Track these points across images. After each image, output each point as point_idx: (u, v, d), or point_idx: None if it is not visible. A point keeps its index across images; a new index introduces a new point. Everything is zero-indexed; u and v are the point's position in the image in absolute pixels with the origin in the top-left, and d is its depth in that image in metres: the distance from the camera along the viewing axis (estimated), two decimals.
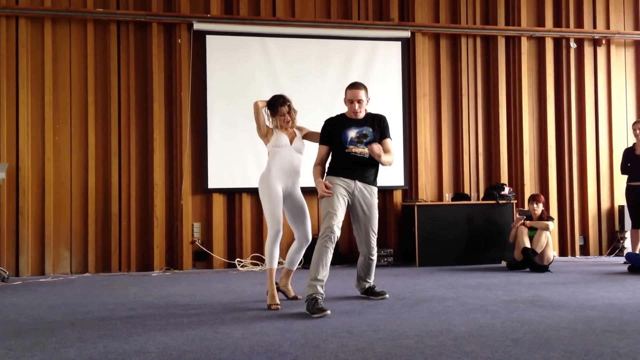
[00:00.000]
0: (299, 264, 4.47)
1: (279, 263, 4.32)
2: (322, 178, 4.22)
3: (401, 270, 6.20)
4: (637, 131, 6.47)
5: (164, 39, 6.67)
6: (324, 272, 3.88)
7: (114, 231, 6.44)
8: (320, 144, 4.31)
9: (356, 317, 3.65)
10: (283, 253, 4.68)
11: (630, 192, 6.51)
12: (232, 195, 6.74)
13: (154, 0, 6.60)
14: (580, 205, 7.58)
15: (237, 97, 6.65)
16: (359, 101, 4.15)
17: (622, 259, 6.60)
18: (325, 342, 2.98)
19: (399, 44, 7.15)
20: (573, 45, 7.63)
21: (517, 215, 6.31)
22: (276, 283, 4.25)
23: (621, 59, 7.82)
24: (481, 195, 7.16)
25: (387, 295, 4.36)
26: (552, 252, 6.16)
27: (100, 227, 6.44)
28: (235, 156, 6.69)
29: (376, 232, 4.31)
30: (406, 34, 7.15)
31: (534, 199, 6.23)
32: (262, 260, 6.67)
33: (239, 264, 6.61)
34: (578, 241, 7.53)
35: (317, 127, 4.42)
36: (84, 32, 6.48)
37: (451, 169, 7.36)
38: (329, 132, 4.26)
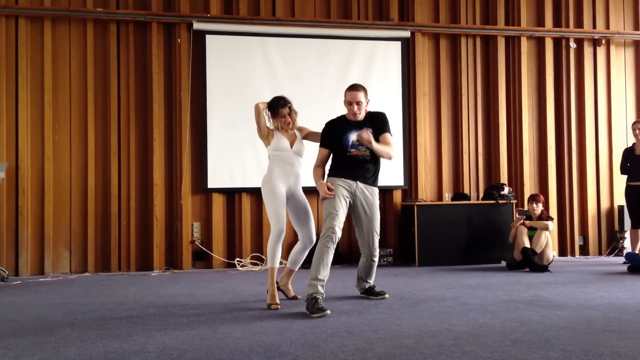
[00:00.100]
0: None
1: (280, 263, 4.32)
2: (323, 180, 4.22)
3: (401, 270, 6.20)
4: (637, 131, 6.47)
5: (163, 38, 6.67)
6: (325, 272, 3.88)
7: (114, 231, 6.44)
8: (320, 146, 4.31)
9: (356, 317, 3.65)
10: (284, 253, 4.67)
11: (629, 192, 6.51)
12: (231, 195, 6.74)
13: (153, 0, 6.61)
14: (579, 205, 7.58)
15: (237, 96, 6.65)
16: (358, 103, 4.15)
17: (622, 259, 6.59)
18: (324, 341, 2.98)
19: (398, 43, 7.15)
20: (573, 45, 7.63)
21: (517, 215, 6.31)
22: (276, 282, 4.25)
23: (621, 59, 7.82)
24: (481, 195, 7.16)
25: (387, 295, 4.36)
26: (552, 252, 6.16)
27: (100, 226, 6.44)
28: (235, 156, 6.69)
29: (378, 232, 4.30)
30: (406, 33, 7.15)
31: (533, 198, 6.23)
32: (262, 260, 6.67)
33: (238, 264, 6.61)
34: (578, 241, 7.53)
35: (317, 127, 4.43)
36: (83, 32, 6.48)
37: (451, 168, 7.37)
38: (330, 135, 4.25)
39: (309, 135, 4.41)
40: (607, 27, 7.74)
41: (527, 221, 6.09)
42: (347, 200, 4.14)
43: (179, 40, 6.65)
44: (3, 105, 6.24)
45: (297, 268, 4.41)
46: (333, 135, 4.23)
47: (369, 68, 7.04)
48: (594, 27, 7.71)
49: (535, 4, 7.63)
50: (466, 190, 7.24)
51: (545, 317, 3.55)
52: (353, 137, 4.16)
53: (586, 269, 6.10)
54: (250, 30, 6.78)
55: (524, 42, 7.51)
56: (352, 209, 4.23)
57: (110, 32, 6.52)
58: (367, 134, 4.02)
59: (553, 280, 5.28)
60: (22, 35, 6.30)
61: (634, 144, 6.61)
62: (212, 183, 6.65)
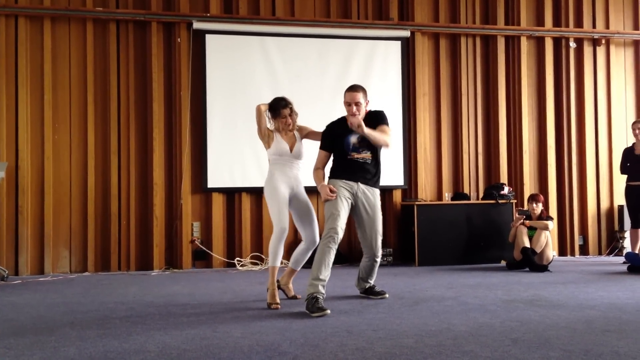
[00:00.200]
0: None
1: (280, 263, 4.31)
2: (324, 182, 4.21)
3: (400, 270, 6.20)
4: (637, 131, 6.47)
5: (163, 38, 6.67)
6: (326, 273, 3.88)
7: (114, 230, 6.44)
8: (320, 148, 4.30)
9: (356, 316, 3.65)
10: (285, 253, 4.66)
11: (629, 191, 6.51)
12: (231, 194, 6.74)
13: None
14: (579, 205, 7.59)
15: (237, 96, 6.65)
16: (357, 104, 4.13)
17: (622, 259, 6.60)
18: (324, 341, 2.98)
19: (398, 43, 7.15)
20: (572, 45, 7.63)
21: (517, 215, 6.31)
22: (277, 281, 4.25)
23: (621, 58, 7.82)
24: (481, 194, 7.16)
25: (387, 295, 4.36)
26: (552, 252, 6.16)
27: (100, 226, 6.44)
28: (235, 155, 6.68)
29: (381, 233, 4.31)
30: (406, 33, 7.15)
31: (533, 198, 6.23)
32: (262, 260, 6.67)
33: (238, 264, 6.61)
34: (577, 241, 7.53)
35: (317, 127, 4.43)
36: (83, 31, 6.48)
37: (451, 168, 7.37)
38: (331, 138, 4.25)
39: (309, 134, 4.41)
40: (607, 26, 7.74)
41: (527, 221, 6.09)
42: (349, 201, 4.14)
43: (179, 39, 6.65)
44: (3, 105, 6.23)
45: (299, 268, 4.40)
46: (334, 137, 4.23)
47: (368, 68, 7.04)
48: (594, 26, 7.71)
49: (535, 4, 7.63)
50: (466, 190, 7.24)
51: (545, 316, 3.55)
52: (353, 139, 4.17)
53: (586, 269, 6.10)
54: (250, 30, 6.78)
55: (524, 42, 7.52)
56: (354, 211, 4.22)
57: (110, 32, 6.52)
58: (357, 119, 3.95)
59: (553, 280, 5.28)
60: (22, 35, 6.30)
61: (634, 143, 6.61)
62: (212, 183, 6.65)
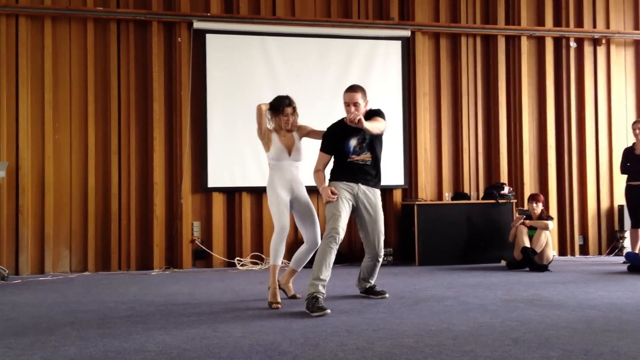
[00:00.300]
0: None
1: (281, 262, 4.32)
2: (325, 184, 4.22)
3: (401, 270, 6.20)
4: (637, 131, 6.47)
5: (164, 37, 6.67)
6: (327, 273, 3.89)
7: (114, 230, 6.44)
8: (321, 150, 4.30)
9: (356, 316, 3.65)
10: (285, 254, 4.66)
11: (629, 191, 6.51)
12: (231, 194, 6.75)
13: None
14: (579, 205, 7.58)
15: (237, 96, 6.65)
16: (355, 104, 4.13)
17: (622, 259, 6.60)
18: (325, 341, 2.98)
19: (399, 43, 7.15)
20: (573, 44, 7.63)
21: (517, 215, 6.31)
22: (278, 281, 4.25)
23: (621, 58, 7.82)
24: (481, 194, 7.16)
25: (387, 295, 4.37)
26: (552, 252, 6.16)
27: (100, 225, 6.44)
28: (235, 155, 6.68)
29: (383, 233, 4.31)
30: (406, 33, 7.15)
31: (533, 198, 6.23)
32: (262, 260, 6.67)
33: (238, 263, 6.61)
34: (577, 241, 7.53)
35: (316, 127, 4.43)
36: (84, 31, 6.48)
37: (451, 168, 7.37)
38: (331, 141, 4.25)
39: (310, 133, 4.41)
40: (608, 26, 7.74)
41: (527, 221, 6.09)
42: (350, 202, 4.15)
43: (179, 39, 6.65)
44: (3, 105, 6.24)
45: (300, 269, 4.41)
46: (334, 140, 4.23)
47: (369, 67, 7.04)
48: (594, 26, 7.70)
49: (535, 4, 7.63)
50: (466, 190, 7.24)
51: (545, 316, 3.55)
52: (353, 142, 4.18)
53: (586, 269, 6.10)
54: (250, 30, 6.78)
55: (524, 42, 7.52)
56: (356, 212, 4.23)
57: (111, 31, 6.52)
58: (354, 114, 3.93)
59: (553, 279, 5.28)
60: (23, 34, 6.30)
61: (634, 143, 6.60)
62: (212, 182, 6.65)
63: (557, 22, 7.67)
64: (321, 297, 3.77)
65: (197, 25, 6.62)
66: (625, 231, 7.27)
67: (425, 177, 7.23)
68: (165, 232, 6.58)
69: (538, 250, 5.95)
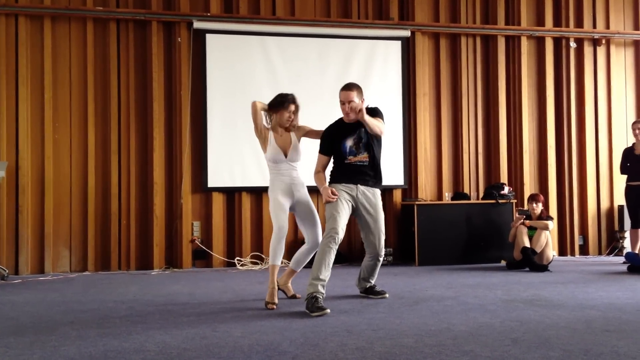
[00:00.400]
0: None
1: (281, 263, 4.31)
2: (325, 184, 4.22)
3: (400, 270, 6.20)
4: (637, 131, 6.47)
5: (163, 37, 6.67)
6: (326, 273, 3.88)
7: (114, 230, 6.44)
8: (320, 152, 4.31)
9: (355, 316, 3.65)
10: (285, 254, 4.66)
11: (629, 191, 6.51)
12: (231, 194, 6.75)
13: None
14: (579, 205, 7.59)
15: (237, 95, 6.64)
16: (350, 103, 4.14)
17: (622, 259, 6.60)
18: (324, 341, 2.98)
19: (398, 43, 7.15)
20: (573, 45, 7.63)
21: (517, 215, 6.31)
22: (276, 281, 4.24)
23: (621, 58, 7.82)
24: (481, 194, 7.16)
25: (387, 295, 4.37)
26: (552, 252, 6.16)
27: (100, 225, 6.44)
28: (235, 155, 6.68)
29: (384, 232, 4.31)
30: (406, 33, 7.15)
31: (533, 198, 6.23)
32: (262, 259, 6.67)
33: (238, 263, 6.61)
34: (577, 241, 7.53)
35: (316, 127, 4.43)
36: (83, 31, 6.48)
37: (451, 168, 7.37)
38: (329, 142, 4.25)
39: (309, 133, 4.41)
40: (607, 26, 7.74)
41: (527, 221, 6.09)
42: (350, 203, 4.15)
43: (179, 39, 6.65)
44: (3, 104, 6.23)
45: (299, 269, 4.40)
46: (332, 141, 4.24)
47: (369, 67, 7.04)
48: (594, 26, 7.71)
49: (535, 4, 7.63)
50: (466, 190, 7.24)
51: (545, 316, 3.55)
52: (350, 142, 4.18)
53: (586, 269, 6.10)
54: (250, 30, 6.78)
55: (524, 42, 7.52)
56: (356, 213, 4.23)
57: (110, 31, 6.52)
58: (355, 104, 4.01)
59: (553, 279, 5.28)
60: (22, 34, 6.30)
61: (634, 143, 6.61)
62: (212, 182, 6.65)
63: (557, 22, 7.67)
64: (321, 297, 3.77)
65: (197, 25, 6.62)
66: (625, 231, 7.28)
67: (425, 177, 7.23)
68: (165, 232, 6.58)
69: (538, 250, 5.95)
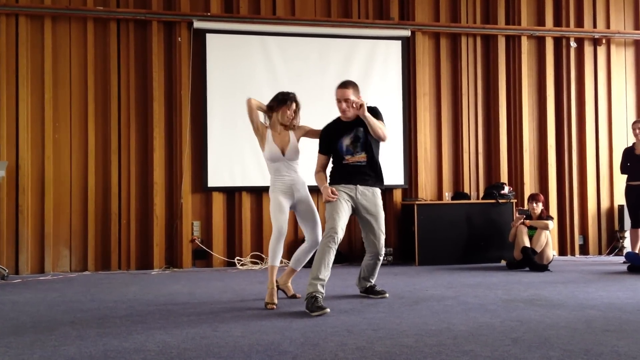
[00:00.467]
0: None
1: (280, 262, 4.31)
2: (326, 183, 4.22)
3: (401, 269, 6.20)
4: (637, 131, 6.47)
5: (164, 37, 6.67)
6: (326, 272, 3.88)
7: (114, 229, 6.44)
8: (319, 152, 4.31)
9: (356, 315, 3.65)
10: (284, 254, 4.67)
11: (629, 191, 6.51)
12: (231, 193, 6.75)
13: None
14: (579, 205, 7.58)
15: (237, 95, 6.61)
16: (347, 100, 4.12)
17: (622, 259, 6.60)
18: (324, 340, 2.98)
19: (399, 43, 7.15)
20: (573, 44, 7.63)
21: (517, 215, 6.31)
22: (276, 281, 4.25)
23: (621, 58, 7.82)
24: (481, 194, 7.16)
25: (387, 294, 4.37)
26: (552, 252, 6.16)
27: (100, 225, 6.44)
28: (235, 155, 6.68)
29: (384, 231, 4.31)
30: (406, 33, 7.15)
31: (533, 198, 6.23)
32: (262, 259, 6.67)
33: (238, 263, 6.61)
34: (577, 240, 7.53)
35: (316, 127, 4.43)
36: (84, 31, 6.48)
37: (451, 168, 7.37)
38: (327, 141, 4.26)
39: (308, 133, 4.40)
40: (608, 26, 7.74)
41: (527, 220, 6.10)
42: (349, 203, 4.15)
43: (179, 39, 6.65)
44: (3, 104, 6.24)
45: (299, 268, 4.40)
46: (330, 141, 4.24)
47: (369, 67, 7.04)
48: (595, 26, 7.70)
49: (535, 4, 7.63)
50: (466, 190, 7.24)
51: (545, 316, 3.55)
52: (346, 141, 4.17)
53: (586, 269, 6.10)
54: (250, 29, 6.78)
55: (525, 42, 7.51)
56: (356, 212, 4.24)
57: (111, 31, 6.52)
58: (359, 100, 4.00)
59: (553, 279, 5.28)
60: (23, 34, 6.30)
61: (634, 143, 6.61)
62: (212, 182, 6.65)
63: (557, 22, 7.67)
64: (320, 297, 3.77)
65: (197, 24, 6.62)
66: (625, 231, 7.27)
67: (425, 177, 7.23)
68: (165, 231, 6.58)
69: (538, 250, 5.95)
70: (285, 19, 6.89)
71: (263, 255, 6.67)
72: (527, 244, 5.96)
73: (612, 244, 7.55)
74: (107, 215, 6.44)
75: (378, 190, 4.29)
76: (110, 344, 2.96)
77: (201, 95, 6.66)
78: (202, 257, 6.67)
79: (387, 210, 7.02)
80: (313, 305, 3.69)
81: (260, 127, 4.29)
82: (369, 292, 4.41)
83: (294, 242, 6.55)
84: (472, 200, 6.94)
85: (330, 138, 4.24)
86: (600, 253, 7.55)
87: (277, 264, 4.15)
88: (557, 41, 7.67)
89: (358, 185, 4.18)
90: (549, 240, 6.02)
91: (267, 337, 3.06)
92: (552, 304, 3.99)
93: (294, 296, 4.39)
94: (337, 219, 4.01)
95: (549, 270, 5.86)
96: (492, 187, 6.94)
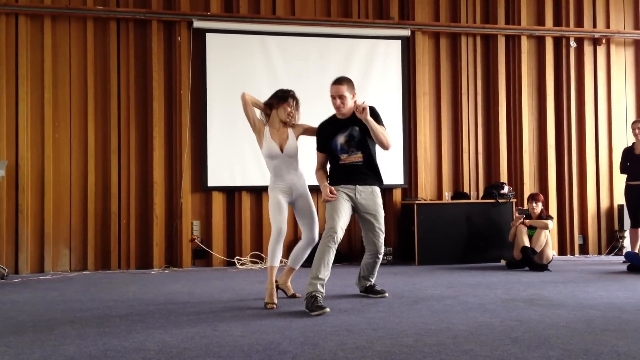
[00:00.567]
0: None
1: (280, 262, 4.31)
2: (326, 182, 4.21)
3: (400, 269, 6.20)
4: (637, 130, 6.47)
5: (163, 36, 6.67)
6: (326, 272, 3.88)
7: (114, 229, 6.44)
8: (317, 150, 4.31)
9: (355, 315, 3.65)
10: (284, 254, 4.66)
11: (629, 191, 6.51)
12: (231, 193, 6.75)
13: None
14: (579, 205, 7.59)
15: (237, 95, 6.44)
16: (341, 97, 4.10)
17: (621, 258, 6.60)
18: (324, 340, 2.98)
19: (399, 42, 7.15)
20: (573, 44, 7.63)
21: (517, 214, 6.32)
22: (276, 281, 4.25)
23: (621, 58, 7.82)
24: (481, 194, 7.16)
25: (387, 294, 4.37)
26: (552, 251, 6.16)
27: (100, 224, 6.44)
28: (235, 154, 6.68)
29: (383, 230, 4.30)
30: (406, 32, 7.15)
31: (533, 198, 6.23)
32: (262, 259, 6.67)
33: (238, 262, 6.61)
34: (577, 240, 7.54)
35: (315, 125, 4.42)
36: (83, 30, 6.48)
37: (451, 167, 7.37)
38: (323, 138, 4.25)
39: (306, 131, 4.38)
40: (608, 26, 7.74)
41: (527, 220, 6.10)
42: (349, 203, 4.15)
43: (179, 38, 6.65)
44: (3, 104, 6.23)
45: (298, 267, 4.40)
46: (325, 138, 4.23)
47: (369, 67, 7.04)
48: (594, 26, 7.70)
49: (535, 3, 7.63)
50: (466, 189, 7.24)
51: (545, 316, 3.55)
52: (341, 139, 4.16)
53: (586, 268, 6.10)
54: (250, 29, 6.78)
55: (524, 41, 7.52)
56: (356, 211, 4.24)
57: (111, 30, 6.52)
58: (362, 104, 3.99)
59: (552, 279, 5.28)
60: (22, 34, 6.30)
61: (633, 143, 6.61)
62: (212, 181, 6.65)
63: (557, 22, 7.67)
64: (320, 296, 3.77)
65: (197, 24, 6.62)
66: (625, 231, 7.28)
67: (425, 177, 7.23)
68: (165, 231, 6.58)
69: (538, 249, 5.95)
70: (285, 18, 6.89)
71: (263, 255, 6.67)
72: (527, 243, 5.96)
73: (612, 244, 7.55)
74: (107, 214, 6.44)
75: (377, 189, 4.29)
76: (110, 344, 2.96)
77: (201, 94, 6.66)
78: (201, 257, 6.67)
79: (386, 209, 7.00)
80: (313, 304, 3.69)
81: (257, 123, 4.29)
82: (369, 291, 4.41)
83: (293, 241, 6.53)
84: (472, 200, 6.94)
85: (325, 136, 4.23)
86: (599, 253, 7.55)
87: (277, 264, 4.15)
88: (557, 41, 7.67)
89: (357, 185, 4.18)
90: (548, 240, 6.03)
91: (267, 337, 3.06)
92: (551, 303, 3.99)
93: (293, 296, 4.39)
94: (337, 218, 4.01)
95: (548, 270, 5.86)
96: (492, 186, 6.95)
